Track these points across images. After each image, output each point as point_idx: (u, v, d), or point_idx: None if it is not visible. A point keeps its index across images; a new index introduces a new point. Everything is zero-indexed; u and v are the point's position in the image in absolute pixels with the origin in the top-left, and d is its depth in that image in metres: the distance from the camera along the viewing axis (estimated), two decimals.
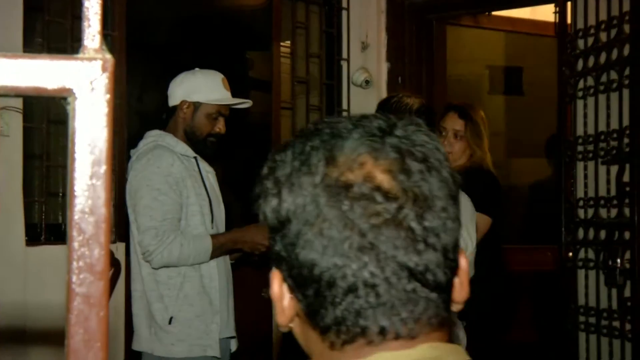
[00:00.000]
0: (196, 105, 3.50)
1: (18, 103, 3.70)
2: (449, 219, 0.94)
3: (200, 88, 3.49)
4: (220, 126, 3.53)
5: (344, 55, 5.32)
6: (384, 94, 5.03)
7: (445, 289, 0.95)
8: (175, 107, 3.53)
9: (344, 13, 5.29)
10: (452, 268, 0.95)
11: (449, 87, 6.18)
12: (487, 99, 7.96)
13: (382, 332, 0.93)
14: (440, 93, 5.52)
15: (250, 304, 4.48)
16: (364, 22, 5.32)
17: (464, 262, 0.99)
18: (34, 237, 3.91)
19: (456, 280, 0.98)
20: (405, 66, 5.36)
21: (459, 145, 3.95)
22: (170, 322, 3.37)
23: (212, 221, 3.47)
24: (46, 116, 3.94)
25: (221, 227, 3.58)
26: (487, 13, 5.94)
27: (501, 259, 4.11)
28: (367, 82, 5.23)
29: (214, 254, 3.39)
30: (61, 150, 4.10)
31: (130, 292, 3.56)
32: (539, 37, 6.43)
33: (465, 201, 2.87)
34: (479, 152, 3.94)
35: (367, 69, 5.29)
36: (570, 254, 4.58)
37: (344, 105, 5.27)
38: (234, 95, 3.60)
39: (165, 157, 3.36)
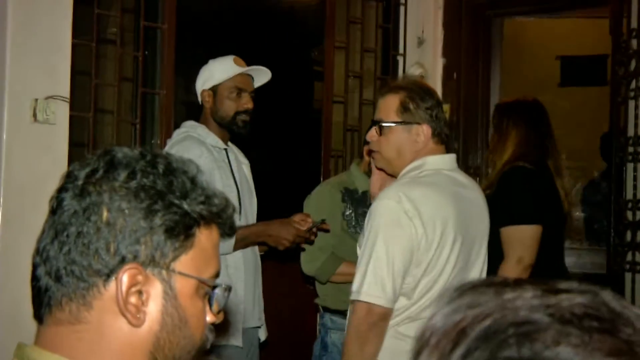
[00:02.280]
0: (214, 90, 3.57)
1: (65, 92, 3.77)
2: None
3: (213, 73, 3.57)
4: (245, 102, 3.56)
5: (400, 50, 5.31)
6: (439, 90, 5.01)
7: None
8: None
9: (401, 8, 5.29)
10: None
11: (512, 82, 6.08)
12: (558, 92, 7.71)
13: None
14: (498, 89, 5.45)
15: (287, 294, 4.55)
16: (421, 17, 5.30)
17: None
18: None
19: None
20: (461, 62, 5.32)
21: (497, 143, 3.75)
22: None
23: (240, 212, 3.51)
24: (93, 105, 4.00)
25: (251, 219, 3.62)
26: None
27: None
28: (422, 77, 5.21)
29: (237, 246, 3.40)
30: (108, 139, 4.20)
31: None
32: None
33: None
34: (502, 152, 3.62)
35: (422, 64, 5.28)
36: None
37: None
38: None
39: (194, 149, 3.41)
